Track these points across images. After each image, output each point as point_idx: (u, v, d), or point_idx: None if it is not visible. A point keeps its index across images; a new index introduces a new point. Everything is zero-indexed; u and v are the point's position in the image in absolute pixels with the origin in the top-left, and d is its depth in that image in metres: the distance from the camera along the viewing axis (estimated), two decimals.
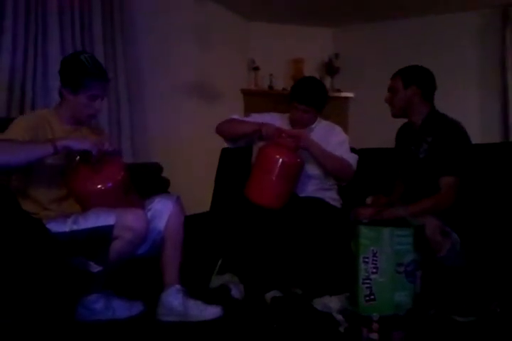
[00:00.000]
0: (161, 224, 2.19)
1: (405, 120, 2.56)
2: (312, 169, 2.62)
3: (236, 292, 2.37)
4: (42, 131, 2.11)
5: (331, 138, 2.67)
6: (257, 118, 2.74)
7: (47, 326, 1.73)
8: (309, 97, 2.57)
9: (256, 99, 4.44)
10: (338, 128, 2.78)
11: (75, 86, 2.10)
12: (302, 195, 2.61)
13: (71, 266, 1.95)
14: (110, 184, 2.08)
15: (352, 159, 2.63)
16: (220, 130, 2.72)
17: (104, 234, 2.01)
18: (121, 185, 2.12)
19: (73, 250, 2.00)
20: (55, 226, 2.02)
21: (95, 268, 2.00)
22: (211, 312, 2.13)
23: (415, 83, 2.42)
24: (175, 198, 2.28)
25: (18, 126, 2.06)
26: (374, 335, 1.76)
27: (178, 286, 2.16)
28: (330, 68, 4.67)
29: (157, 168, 3.07)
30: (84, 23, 3.30)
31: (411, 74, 2.45)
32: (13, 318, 1.63)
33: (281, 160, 2.40)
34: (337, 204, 2.67)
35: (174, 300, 2.12)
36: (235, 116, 2.77)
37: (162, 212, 2.20)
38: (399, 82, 2.44)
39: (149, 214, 2.16)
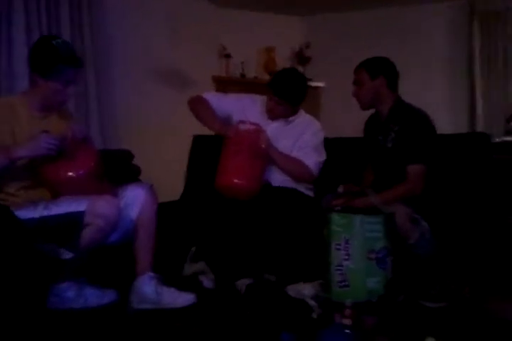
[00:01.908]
0: (133, 212, 2.18)
1: (372, 111, 2.60)
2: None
3: (208, 282, 2.38)
4: (7, 119, 2.05)
5: (305, 134, 2.64)
6: (233, 101, 2.68)
7: (18, 314, 1.70)
8: (284, 91, 2.53)
9: (227, 86, 4.40)
10: (317, 126, 2.72)
11: (47, 71, 2.05)
12: (275, 184, 2.61)
13: (41, 253, 1.92)
14: (82, 171, 2.07)
15: (314, 164, 2.58)
16: (191, 108, 2.64)
17: (75, 220, 1.99)
18: (93, 172, 2.10)
19: (44, 236, 1.98)
20: (25, 213, 1.99)
21: (66, 255, 1.99)
22: (185, 299, 2.13)
23: (382, 73, 2.46)
24: (148, 186, 2.26)
25: None
26: (347, 321, 1.78)
27: (151, 274, 2.15)
28: (301, 57, 4.67)
29: (128, 155, 3.02)
30: (51, 7, 3.21)
31: (376, 65, 2.49)
32: None
33: (244, 140, 2.40)
34: (310, 192, 2.69)
35: (147, 288, 2.11)
36: (208, 96, 2.67)
37: (135, 200, 2.19)
38: (364, 74, 2.47)
39: (122, 202, 2.14)
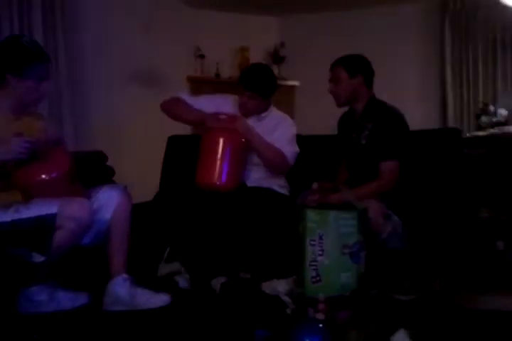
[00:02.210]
0: (107, 214, 2.16)
1: (346, 108, 2.62)
2: (256, 158, 2.61)
3: (183, 282, 2.37)
4: None
5: (278, 129, 2.65)
6: (206, 101, 2.70)
7: None
8: (255, 84, 2.56)
9: (202, 86, 4.40)
10: (289, 121, 2.75)
11: (21, 69, 2.04)
12: (250, 183, 2.62)
13: (12, 257, 1.90)
14: (55, 174, 2.04)
15: (290, 153, 2.59)
16: (165, 108, 2.67)
17: (47, 223, 1.97)
18: (67, 175, 2.08)
19: (15, 240, 1.95)
20: None
21: (38, 258, 1.96)
22: (159, 300, 2.12)
23: (360, 71, 2.47)
24: (122, 188, 2.25)
25: None
26: (320, 315, 1.79)
27: (124, 275, 2.13)
28: (276, 57, 4.69)
29: (101, 156, 3.01)
30: (23, 10, 3.18)
31: (354, 63, 2.49)
32: None
33: (221, 140, 2.42)
34: (285, 191, 2.70)
35: (121, 289, 2.10)
36: (182, 96, 2.69)
37: (108, 201, 2.17)
38: (342, 71, 2.47)
39: (95, 204, 2.12)
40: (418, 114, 3.93)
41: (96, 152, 3.04)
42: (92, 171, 2.67)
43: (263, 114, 2.69)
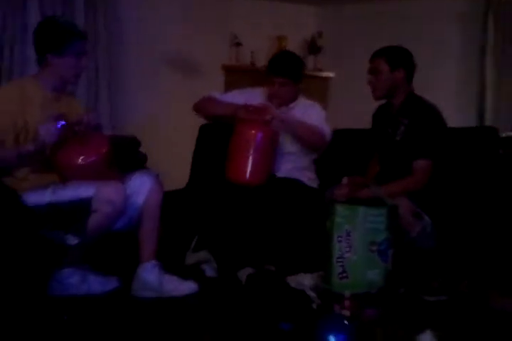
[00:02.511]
0: (139, 199, 2.19)
1: (382, 101, 2.58)
2: (287, 147, 2.63)
3: (210, 270, 2.40)
4: (18, 101, 2.07)
5: (309, 115, 2.65)
6: (236, 95, 2.72)
7: (18, 300, 1.73)
8: (285, 68, 2.57)
9: (237, 75, 4.38)
10: (318, 107, 2.77)
11: (61, 47, 2.10)
12: (279, 174, 2.62)
13: (46, 239, 1.95)
14: (94, 158, 2.09)
15: (326, 131, 2.62)
16: (197, 108, 2.71)
17: (83, 206, 2.01)
18: (105, 160, 2.13)
19: (51, 222, 2.00)
20: (33, 197, 2.02)
21: (72, 240, 2.01)
22: (187, 287, 2.16)
23: (402, 65, 2.41)
24: (154, 175, 2.28)
25: None
26: (346, 312, 1.80)
27: (154, 261, 2.17)
28: (312, 47, 4.63)
29: (135, 142, 3.05)
30: (66, 3, 3.23)
31: (397, 56, 2.43)
32: None
33: (252, 134, 2.42)
34: (314, 184, 2.69)
35: (150, 275, 2.14)
36: (213, 94, 2.74)
37: (141, 188, 2.20)
38: (383, 63, 2.41)
39: (128, 189, 2.15)
40: (453, 110, 3.84)
41: (130, 137, 3.08)
42: (125, 156, 2.70)
43: (291, 105, 2.69)
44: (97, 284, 2.13)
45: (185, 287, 2.16)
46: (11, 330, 1.60)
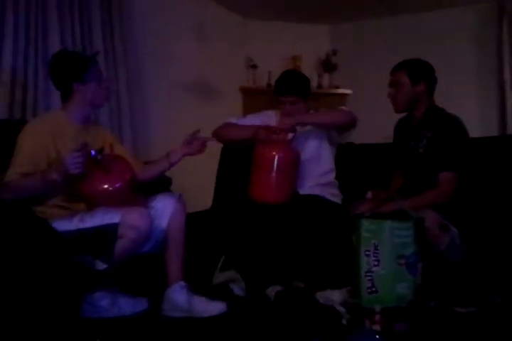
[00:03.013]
0: (163, 222, 2.22)
1: (403, 114, 2.58)
2: (309, 164, 2.64)
3: (238, 289, 2.40)
4: (50, 134, 2.15)
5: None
6: (252, 119, 2.76)
7: (53, 323, 1.76)
8: (291, 87, 2.61)
9: (254, 96, 4.45)
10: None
11: (82, 74, 2.19)
12: (301, 190, 2.63)
13: (78, 264, 1.98)
14: (118, 184, 2.15)
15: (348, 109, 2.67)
16: (217, 135, 2.74)
17: (110, 232, 2.05)
18: (128, 185, 2.18)
19: (80, 248, 2.04)
20: (62, 225, 2.06)
21: (101, 265, 2.05)
22: (216, 307, 2.16)
23: (423, 79, 2.41)
24: (177, 196, 2.31)
25: (25, 146, 2.12)
26: (376, 327, 1.78)
27: (182, 283, 2.19)
28: (327, 65, 4.68)
29: None
30: (84, 23, 3.32)
31: (418, 69, 2.43)
32: (19, 316, 1.66)
33: (274, 155, 2.44)
34: (337, 199, 2.70)
35: (179, 296, 2.15)
36: (231, 120, 2.78)
37: (164, 210, 2.23)
38: (404, 76, 2.41)
39: (152, 212, 2.18)
40: (475, 120, 3.84)
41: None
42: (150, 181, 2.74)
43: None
44: (127, 306, 2.15)
45: (214, 307, 2.16)
46: None
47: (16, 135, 2.16)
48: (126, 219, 2.06)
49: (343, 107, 2.74)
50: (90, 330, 1.90)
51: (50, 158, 2.13)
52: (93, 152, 2.11)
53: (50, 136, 2.15)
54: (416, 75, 2.41)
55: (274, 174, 2.45)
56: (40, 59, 3.04)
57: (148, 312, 2.17)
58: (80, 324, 1.89)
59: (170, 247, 2.23)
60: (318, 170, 2.68)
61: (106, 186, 2.13)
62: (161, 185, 2.90)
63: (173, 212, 2.23)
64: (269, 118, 2.74)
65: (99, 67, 2.32)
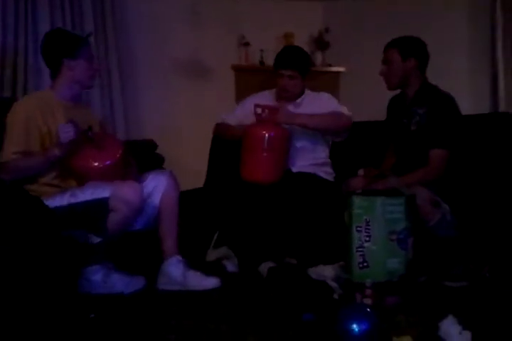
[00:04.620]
0: (156, 199, 2.24)
1: (397, 92, 2.58)
2: (301, 142, 2.64)
3: (231, 266, 2.43)
4: (40, 111, 2.16)
5: (319, 104, 2.68)
6: (246, 104, 2.75)
7: (51, 298, 1.77)
8: (292, 61, 2.61)
9: (247, 74, 4.40)
10: (325, 94, 2.79)
11: (74, 51, 2.22)
12: (295, 168, 2.64)
13: (71, 239, 2.00)
14: (109, 161, 2.16)
15: (344, 110, 2.65)
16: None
17: (101, 206, 2.07)
18: (120, 162, 2.20)
19: (72, 222, 2.06)
20: (53, 202, 2.07)
21: (95, 239, 2.07)
22: (210, 282, 2.19)
23: (413, 55, 2.41)
24: (168, 173, 2.33)
25: (17, 124, 2.13)
26: (367, 300, 1.82)
27: (178, 257, 2.22)
28: (320, 42, 4.64)
29: (151, 144, 3.09)
30: (74, 1, 3.28)
31: (408, 46, 2.43)
32: (15, 292, 1.67)
33: (264, 135, 2.45)
34: (330, 177, 2.71)
35: (175, 270, 2.18)
36: (225, 118, 2.79)
37: (156, 187, 2.25)
38: (395, 54, 2.42)
39: (145, 189, 2.20)
40: (467, 97, 3.83)
41: (146, 140, 3.13)
42: (143, 159, 2.74)
43: (298, 100, 2.71)
44: (121, 283, 2.16)
45: (208, 282, 2.19)
46: (41, 328, 1.64)
47: (5, 113, 2.17)
48: (117, 193, 2.08)
49: (344, 108, 2.67)
50: (85, 305, 1.92)
51: (42, 132, 2.15)
52: (84, 128, 2.14)
53: (40, 114, 2.16)
54: (406, 52, 2.41)
55: (263, 154, 2.46)
56: (30, 36, 3.01)
57: (144, 288, 2.18)
58: (76, 299, 1.91)
59: (163, 223, 2.25)
60: (311, 149, 2.69)
61: (98, 163, 2.15)
62: (154, 163, 2.91)
63: (165, 188, 2.25)
64: (264, 97, 2.73)
65: (91, 49, 2.35)
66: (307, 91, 2.76)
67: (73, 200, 2.10)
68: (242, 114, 2.71)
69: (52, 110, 2.20)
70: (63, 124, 2.09)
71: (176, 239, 2.25)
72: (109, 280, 2.14)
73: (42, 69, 2.92)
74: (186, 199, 2.40)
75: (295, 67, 2.61)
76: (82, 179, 2.18)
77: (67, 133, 2.06)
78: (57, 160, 2.11)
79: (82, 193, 2.10)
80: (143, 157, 2.79)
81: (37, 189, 2.16)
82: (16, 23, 2.96)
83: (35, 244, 1.79)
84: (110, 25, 3.49)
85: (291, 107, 2.64)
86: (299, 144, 2.64)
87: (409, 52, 2.41)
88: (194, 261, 2.34)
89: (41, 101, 2.21)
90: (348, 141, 2.71)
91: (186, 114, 3.99)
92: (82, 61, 2.24)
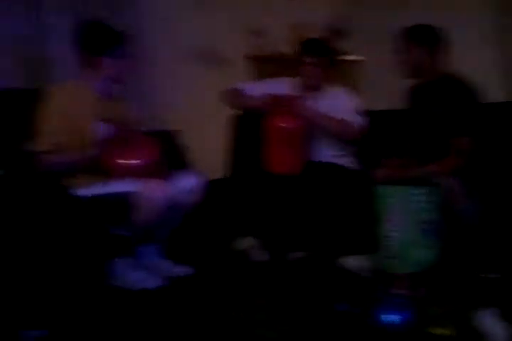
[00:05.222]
0: (180, 200, 2.24)
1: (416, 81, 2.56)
2: (323, 134, 2.63)
3: (258, 256, 2.43)
4: (71, 102, 2.14)
5: (338, 102, 2.66)
6: (261, 85, 2.73)
7: (79, 288, 1.78)
8: (318, 48, 2.63)
9: (262, 63, 4.38)
10: (347, 94, 2.76)
11: (114, 51, 2.18)
12: (317, 159, 2.63)
13: (98, 231, 2.01)
14: (145, 161, 2.18)
15: (357, 120, 2.62)
16: (224, 101, 2.74)
17: (125, 200, 2.07)
18: (153, 162, 2.20)
19: (99, 215, 2.07)
20: (80, 192, 2.09)
21: (121, 233, 2.10)
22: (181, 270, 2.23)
23: (426, 43, 2.40)
24: (196, 176, 2.33)
25: (51, 115, 2.10)
26: (399, 291, 1.82)
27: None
28: (338, 31, 4.60)
29: (173, 135, 3.08)
30: None
31: (421, 34, 2.42)
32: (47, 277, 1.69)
33: (282, 127, 2.46)
34: (354, 166, 2.70)
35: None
36: (238, 85, 2.75)
37: (184, 188, 2.25)
38: (407, 42, 2.41)
39: (171, 190, 2.19)
40: (494, 85, 3.78)
41: (167, 131, 3.12)
42: (167, 151, 2.73)
43: (317, 93, 2.68)
44: (137, 280, 2.14)
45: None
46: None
47: (34, 104, 2.13)
48: (143, 189, 2.07)
49: (359, 118, 2.64)
50: (112, 298, 1.93)
51: (75, 126, 2.12)
52: (117, 127, 2.13)
53: (70, 105, 2.13)
54: (418, 40, 2.41)
55: (283, 145, 2.47)
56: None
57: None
58: (103, 291, 1.91)
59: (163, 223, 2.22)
60: (335, 140, 2.67)
61: (131, 161, 2.15)
62: (177, 154, 2.90)
63: (192, 190, 2.27)
64: (281, 85, 2.70)
65: (129, 47, 2.29)
66: (328, 88, 2.72)
67: (97, 192, 2.10)
68: (260, 91, 2.66)
69: (84, 103, 2.17)
70: (100, 123, 2.08)
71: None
72: (126, 275, 2.13)
73: (68, 60, 2.90)
74: (211, 190, 2.39)
75: (320, 54, 2.62)
76: (114, 175, 2.16)
77: (104, 131, 2.05)
78: (93, 159, 2.10)
79: (108, 186, 2.10)
80: (167, 149, 2.78)
81: (64, 180, 2.15)
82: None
83: (63, 234, 1.81)
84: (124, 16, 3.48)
85: (311, 101, 2.62)
86: (323, 136, 2.62)
87: (421, 41, 2.40)
88: (220, 251, 2.33)
89: (74, 92, 2.18)
90: (370, 129, 2.69)
91: (203, 103, 3.97)
92: (120, 60, 2.21)
